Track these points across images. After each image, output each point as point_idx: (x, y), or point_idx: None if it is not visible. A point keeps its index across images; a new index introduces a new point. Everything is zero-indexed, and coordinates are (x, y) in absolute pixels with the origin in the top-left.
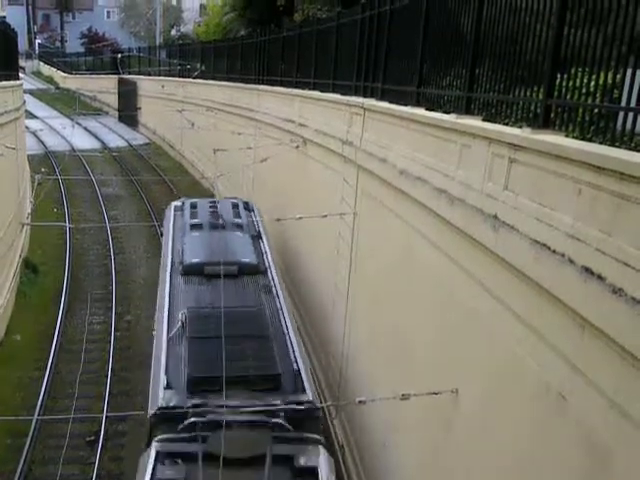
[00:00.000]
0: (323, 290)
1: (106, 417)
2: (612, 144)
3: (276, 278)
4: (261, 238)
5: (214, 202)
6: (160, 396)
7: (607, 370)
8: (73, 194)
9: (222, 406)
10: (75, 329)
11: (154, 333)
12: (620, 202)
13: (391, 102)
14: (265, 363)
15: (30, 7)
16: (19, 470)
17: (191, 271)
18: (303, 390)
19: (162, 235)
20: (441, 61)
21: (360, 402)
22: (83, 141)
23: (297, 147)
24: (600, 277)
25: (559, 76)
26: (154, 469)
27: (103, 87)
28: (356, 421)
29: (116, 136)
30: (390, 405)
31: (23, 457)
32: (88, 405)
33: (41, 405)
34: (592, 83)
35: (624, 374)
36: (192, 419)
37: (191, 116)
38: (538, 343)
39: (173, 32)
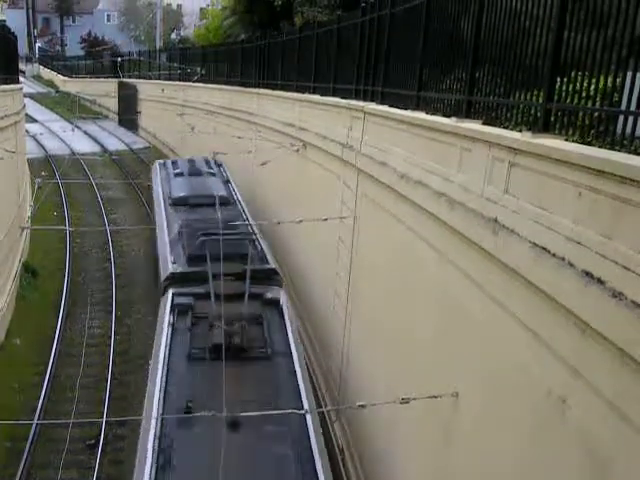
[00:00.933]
0: (323, 293)
1: (106, 421)
2: (612, 148)
3: (245, 207)
4: (230, 182)
5: (191, 158)
6: (169, 267)
7: (608, 374)
8: (73, 198)
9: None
10: (75, 333)
11: (158, 241)
12: (620, 206)
13: (391, 105)
14: (240, 248)
15: (30, 11)
16: (19, 474)
17: (179, 202)
18: (267, 262)
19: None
20: (441, 65)
21: (360, 406)
22: (83, 145)
23: (297, 151)
24: (600, 281)
25: (559, 80)
26: (172, 301)
27: (103, 91)
28: (356, 424)
29: (116, 140)
30: (390, 408)
31: (23, 461)
32: (88, 409)
33: (41, 409)
34: (592, 87)
35: (625, 378)
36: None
37: (191, 120)
38: (538, 347)
39: (173, 36)
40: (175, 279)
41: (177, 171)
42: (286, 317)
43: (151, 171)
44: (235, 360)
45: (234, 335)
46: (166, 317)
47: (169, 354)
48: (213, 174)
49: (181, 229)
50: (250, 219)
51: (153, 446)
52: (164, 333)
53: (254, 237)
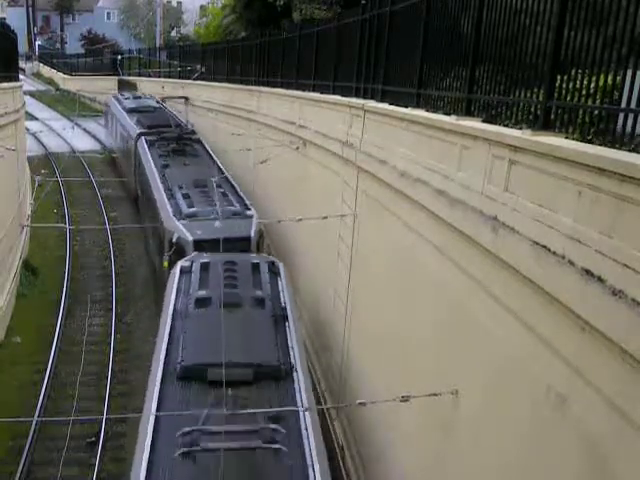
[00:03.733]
0: (323, 291)
1: (106, 419)
2: (612, 146)
3: (170, 110)
4: (159, 102)
5: (131, 93)
6: (137, 130)
7: (607, 372)
8: (73, 195)
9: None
10: (75, 331)
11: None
12: (620, 204)
13: (391, 103)
14: (173, 124)
15: (30, 9)
16: (19, 471)
17: (131, 111)
18: (187, 126)
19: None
20: (441, 63)
21: (360, 404)
22: (83, 142)
23: (297, 148)
24: (600, 279)
25: (559, 78)
26: (145, 139)
27: (103, 88)
28: (356, 422)
29: None
30: (390, 406)
31: (23, 458)
32: (88, 406)
33: (41, 407)
34: (592, 85)
35: (624, 376)
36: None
37: (191, 117)
38: (538, 345)
39: (173, 33)
40: (142, 133)
41: (126, 96)
42: (203, 141)
43: (108, 101)
44: (182, 155)
45: (179, 148)
46: (145, 146)
47: (152, 159)
48: (148, 99)
49: (139, 119)
50: (177, 116)
51: (163, 191)
52: (147, 150)
53: (181, 122)
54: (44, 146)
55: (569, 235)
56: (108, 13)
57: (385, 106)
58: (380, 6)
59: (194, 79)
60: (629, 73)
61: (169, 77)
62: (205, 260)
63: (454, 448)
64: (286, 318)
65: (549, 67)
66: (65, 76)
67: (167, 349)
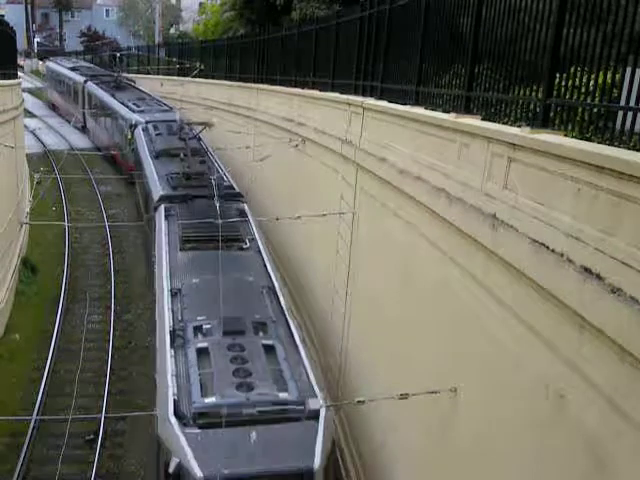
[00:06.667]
0: (322, 288)
1: (105, 417)
2: (611, 143)
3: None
4: (88, 63)
5: (69, 58)
6: (82, 80)
7: (606, 370)
8: (72, 193)
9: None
10: (74, 328)
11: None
12: (619, 202)
13: (390, 101)
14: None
15: (29, 6)
16: (18, 469)
17: (72, 69)
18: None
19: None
20: (440, 60)
21: (359, 402)
22: (81, 140)
23: (296, 146)
24: (599, 277)
25: (558, 75)
26: (85, 85)
27: None
28: (355, 419)
29: None
30: (389, 403)
31: (22, 456)
32: (87, 404)
33: (40, 404)
34: (591, 82)
35: (623, 374)
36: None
37: (190, 115)
38: (537, 342)
39: (172, 31)
40: (87, 80)
41: (62, 60)
42: (133, 82)
43: (48, 64)
44: (122, 90)
45: (117, 86)
46: (94, 86)
47: (102, 91)
48: (83, 62)
49: (81, 72)
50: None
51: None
52: (96, 88)
53: (113, 73)
54: (43, 143)
55: (568, 233)
56: (107, 10)
57: (384, 104)
58: (379, 3)
59: (193, 76)
60: (628, 71)
61: (168, 74)
62: (154, 124)
63: (452, 446)
64: (205, 150)
65: (548, 65)
66: None
67: (147, 145)
